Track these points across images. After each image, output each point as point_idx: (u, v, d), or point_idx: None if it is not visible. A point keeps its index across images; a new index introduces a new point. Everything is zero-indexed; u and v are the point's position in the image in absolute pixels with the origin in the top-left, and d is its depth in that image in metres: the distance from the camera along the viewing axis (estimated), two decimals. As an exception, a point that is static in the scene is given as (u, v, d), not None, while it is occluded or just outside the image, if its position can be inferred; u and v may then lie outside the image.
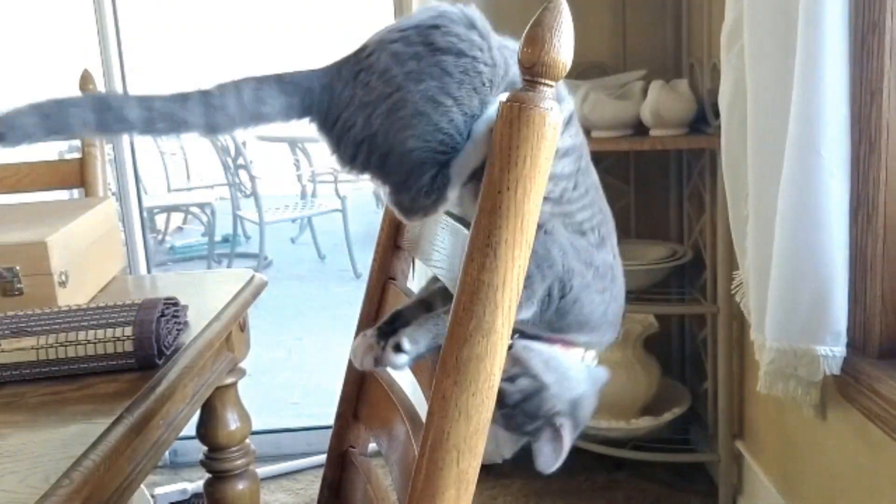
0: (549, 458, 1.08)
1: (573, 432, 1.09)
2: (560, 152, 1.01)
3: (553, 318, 1.05)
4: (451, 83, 0.97)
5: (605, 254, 1.09)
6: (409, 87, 0.96)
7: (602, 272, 1.08)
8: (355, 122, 0.99)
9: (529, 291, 1.01)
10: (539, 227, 0.99)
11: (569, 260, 1.04)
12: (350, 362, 1.40)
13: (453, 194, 1.00)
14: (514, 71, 1.00)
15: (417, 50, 0.98)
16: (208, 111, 0.97)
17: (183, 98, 0.97)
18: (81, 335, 1.29)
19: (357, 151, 1.01)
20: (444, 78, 0.97)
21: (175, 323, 1.40)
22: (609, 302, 1.10)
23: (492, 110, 0.97)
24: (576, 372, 1.11)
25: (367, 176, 1.04)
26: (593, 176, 1.10)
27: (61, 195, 2.36)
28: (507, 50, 1.01)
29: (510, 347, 1.03)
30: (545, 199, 0.99)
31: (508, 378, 1.05)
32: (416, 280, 1.35)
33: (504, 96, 0.85)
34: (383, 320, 1.16)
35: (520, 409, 1.06)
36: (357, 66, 1.00)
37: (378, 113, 0.98)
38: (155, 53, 7.01)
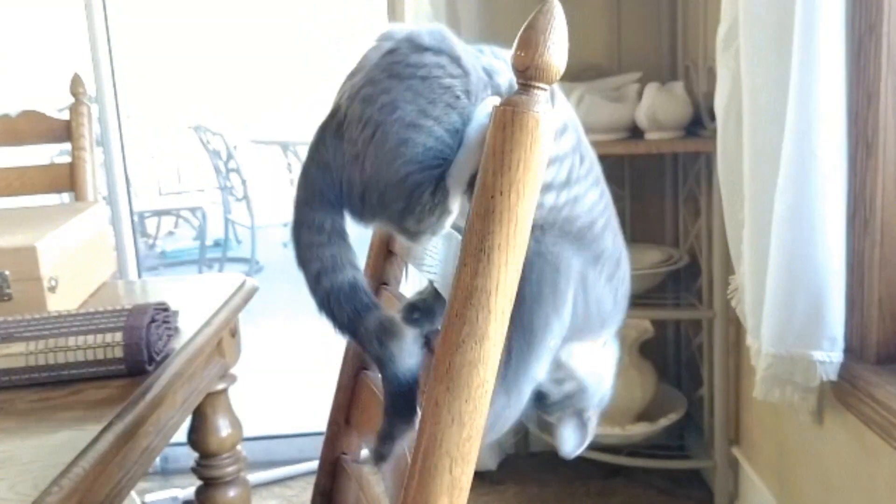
0: (574, 445, 1.13)
1: (598, 420, 1.14)
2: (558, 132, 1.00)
3: (580, 323, 1.05)
4: (425, 103, 0.96)
5: (609, 238, 1.08)
6: (386, 118, 0.96)
7: (609, 256, 1.08)
8: (353, 177, 1.00)
9: (561, 304, 1.01)
10: (545, 230, 1.00)
11: (582, 259, 1.04)
12: (343, 368, 1.39)
13: (456, 204, 0.99)
14: (481, 75, 0.99)
15: (385, 85, 0.97)
16: (321, 279, 1.01)
17: (323, 294, 1.01)
18: (71, 341, 1.28)
19: (363, 202, 1.01)
20: (418, 100, 0.96)
21: (165, 328, 1.39)
22: (617, 287, 1.10)
23: (482, 115, 0.96)
24: (608, 368, 1.13)
25: (377, 223, 1.04)
26: (592, 151, 1.10)
27: (51, 199, 2.35)
28: (471, 56, 1.00)
29: None
30: (550, 186, 0.99)
31: (555, 380, 1.08)
32: (409, 285, 1.34)
33: (496, 100, 0.84)
34: None
35: (556, 404, 1.10)
36: (338, 128, 1.01)
37: (368, 157, 0.98)
38: (147, 56, 7.00)
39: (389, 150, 0.96)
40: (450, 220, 1.01)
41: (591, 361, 1.09)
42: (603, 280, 1.07)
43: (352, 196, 1.01)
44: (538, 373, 1.03)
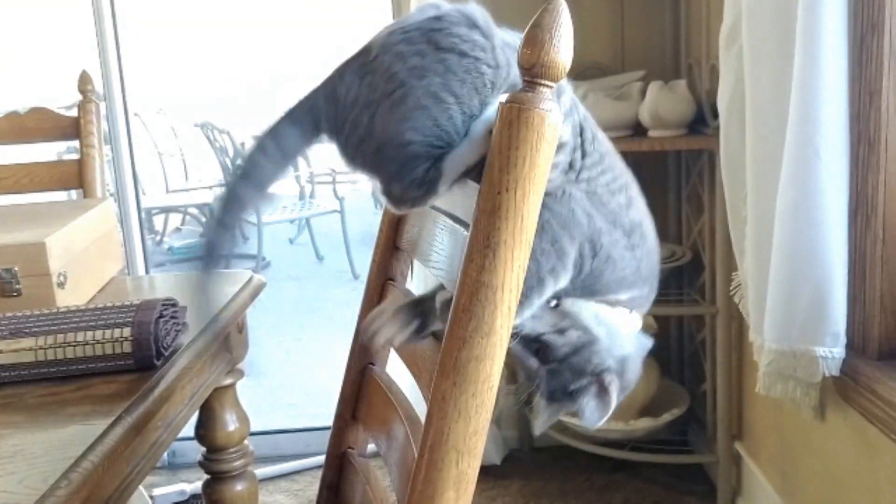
0: (595, 413, 1.06)
1: (620, 393, 1.07)
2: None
3: (589, 281, 1.04)
4: (454, 81, 0.97)
5: (632, 213, 1.09)
6: (412, 82, 0.97)
7: (629, 230, 1.07)
8: (360, 121, 1.01)
9: (563, 256, 1.00)
10: (556, 192, 1.00)
11: (594, 220, 1.03)
12: (349, 362, 1.40)
13: (444, 189, 1.00)
14: (516, 72, 1.00)
15: (421, 48, 0.98)
16: (251, 181, 1.03)
17: (230, 188, 1.05)
18: (80, 336, 1.29)
19: (358, 147, 1.02)
20: (448, 75, 0.97)
21: (174, 324, 1.40)
22: (641, 258, 1.09)
23: (491, 111, 0.97)
24: (624, 329, 1.10)
25: (363, 170, 1.05)
26: (607, 144, 1.10)
27: (60, 196, 2.36)
28: (509, 48, 1.01)
29: (557, 305, 1.04)
30: (555, 167, 0.99)
31: (558, 330, 1.04)
32: (414, 281, 1.35)
33: (504, 97, 0.85)
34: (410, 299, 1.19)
35: (567, 364, 1.05)
36: (363, 68, 1.02)
37: (381, 109, 0.99)
38: (154, 53, 7.01)
39: (403, 112, 0.97)
40: (432, 201, 1.02)
41: (599, 314, 1.07)
42: (621, 244, 1.06)
43: (350, 138, 1.02)
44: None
